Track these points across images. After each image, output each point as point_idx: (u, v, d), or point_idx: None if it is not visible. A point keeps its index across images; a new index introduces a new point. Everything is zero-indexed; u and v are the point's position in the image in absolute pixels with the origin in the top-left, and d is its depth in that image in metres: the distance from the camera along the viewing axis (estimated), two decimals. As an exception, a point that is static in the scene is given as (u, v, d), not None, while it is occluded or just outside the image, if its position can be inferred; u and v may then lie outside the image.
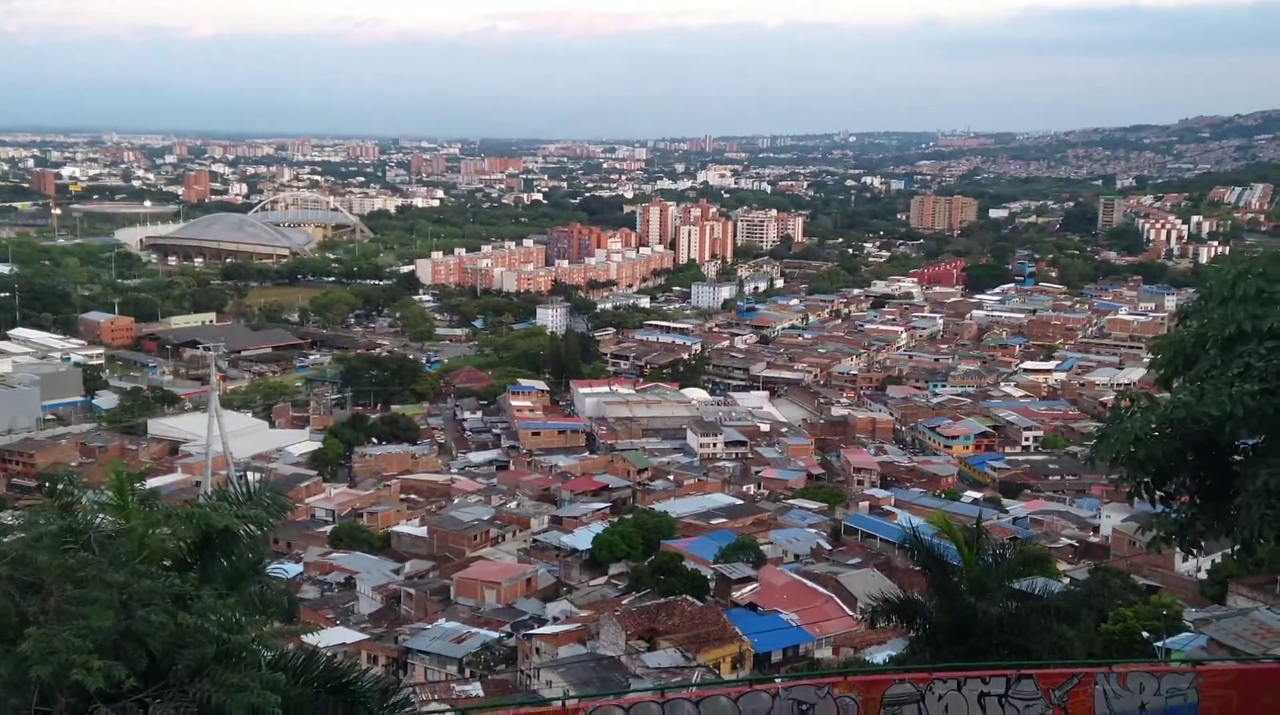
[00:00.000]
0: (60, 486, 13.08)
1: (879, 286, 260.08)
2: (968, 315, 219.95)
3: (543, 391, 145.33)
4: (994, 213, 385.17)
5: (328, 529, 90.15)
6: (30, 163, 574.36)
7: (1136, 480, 15.32)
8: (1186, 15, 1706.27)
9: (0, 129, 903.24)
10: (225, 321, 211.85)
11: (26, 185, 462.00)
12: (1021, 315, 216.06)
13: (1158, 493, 15.61)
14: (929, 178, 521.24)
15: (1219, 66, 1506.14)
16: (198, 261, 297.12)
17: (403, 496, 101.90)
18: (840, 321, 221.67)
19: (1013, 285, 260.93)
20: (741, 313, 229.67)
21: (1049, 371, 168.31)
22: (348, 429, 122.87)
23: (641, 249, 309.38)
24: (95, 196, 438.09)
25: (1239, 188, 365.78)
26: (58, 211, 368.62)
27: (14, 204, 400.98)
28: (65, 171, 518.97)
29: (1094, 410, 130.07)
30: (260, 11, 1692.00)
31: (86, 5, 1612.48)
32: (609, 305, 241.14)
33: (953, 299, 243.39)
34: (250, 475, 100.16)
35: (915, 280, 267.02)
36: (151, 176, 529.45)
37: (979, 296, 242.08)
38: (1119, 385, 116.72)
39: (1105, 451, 15.30)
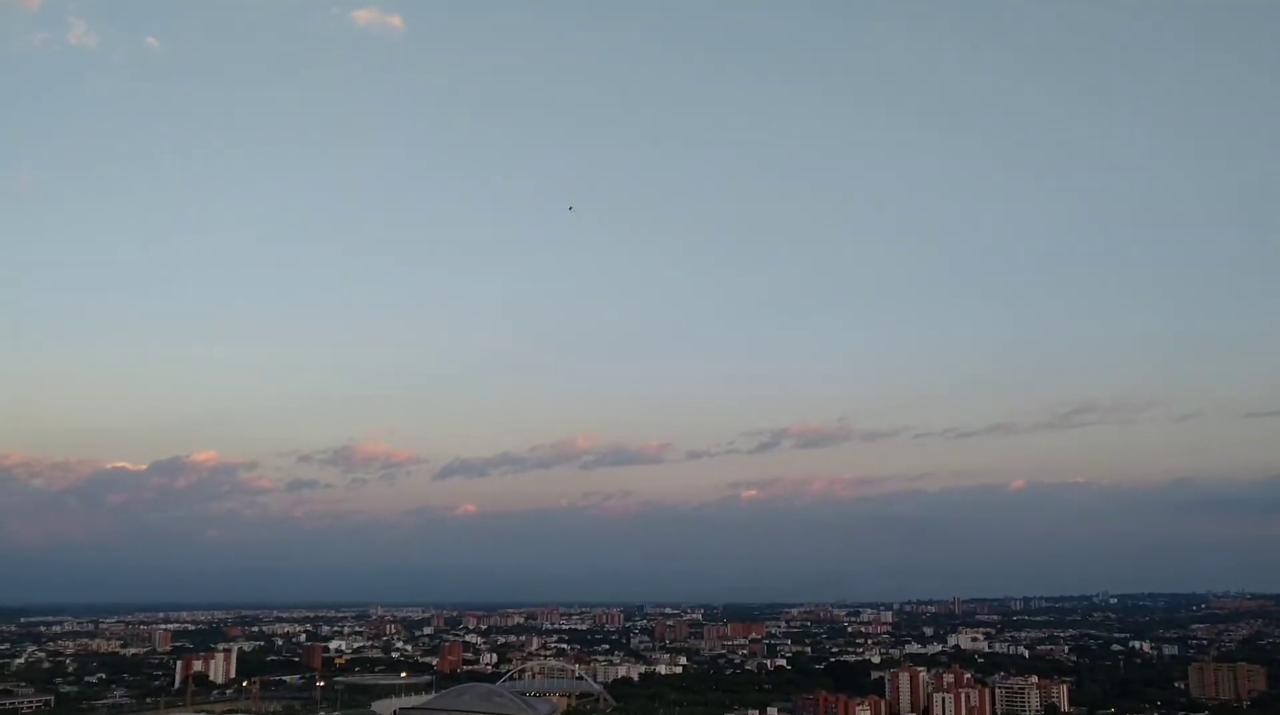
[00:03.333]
0: None
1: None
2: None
3: None
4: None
5: None
6: (303, 637, 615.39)
7: None
8: None
9: (280, 606, 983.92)
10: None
11: (297, 659, 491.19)
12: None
13: None
14: (1205, 642, 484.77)
15: None
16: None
17: None
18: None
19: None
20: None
21: None
22: None
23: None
24: (357, 669, 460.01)
25: None
26: (321, 684, 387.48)
27: (284, 677, 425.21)
28: (333, 645, 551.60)
29: None
30: (516, 491, 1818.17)
31: (367, 491, 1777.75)
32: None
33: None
34: None
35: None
36: (409, 648, 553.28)
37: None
38: None
39: None
